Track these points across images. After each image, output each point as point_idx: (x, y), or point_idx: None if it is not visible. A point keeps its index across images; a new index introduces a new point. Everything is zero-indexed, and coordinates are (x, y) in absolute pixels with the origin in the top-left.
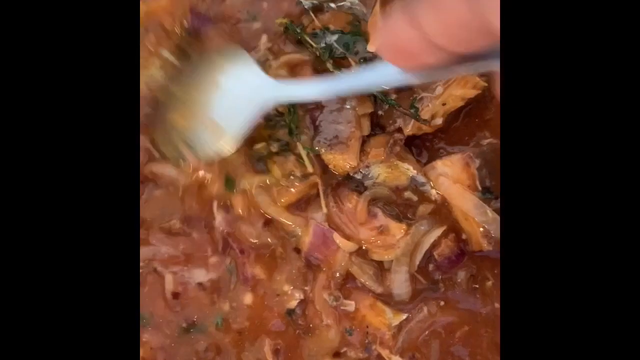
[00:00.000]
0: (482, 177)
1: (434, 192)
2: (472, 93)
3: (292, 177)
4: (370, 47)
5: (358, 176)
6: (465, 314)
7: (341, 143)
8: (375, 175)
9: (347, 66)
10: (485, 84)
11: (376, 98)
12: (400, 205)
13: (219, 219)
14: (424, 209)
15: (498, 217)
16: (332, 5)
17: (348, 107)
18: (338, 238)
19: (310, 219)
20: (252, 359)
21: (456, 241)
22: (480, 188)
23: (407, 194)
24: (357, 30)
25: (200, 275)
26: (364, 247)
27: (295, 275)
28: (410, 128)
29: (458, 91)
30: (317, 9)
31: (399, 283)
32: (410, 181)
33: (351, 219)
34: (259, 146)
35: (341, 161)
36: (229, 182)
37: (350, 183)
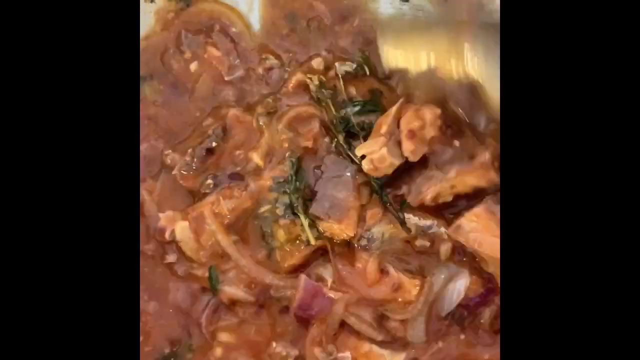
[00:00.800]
0: None
1: (443, 230)
2: (484, 185)
3: (298, 242)
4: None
5: (363, 242)
6: (481, 351)
7: (339, 212)
8: (379, 235)
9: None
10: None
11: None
12: (417, 256)
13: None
14: (445, 249)
15: None
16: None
17: (348, 174)
18: (332, 292)
19: (300, 274)
20: None
21: (480, 282)
22: None
23: (419, 242)
24: (377, 103)
25: (150, 307)
26: (382, 312)
27: (285, 332)
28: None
29: (471, 180)
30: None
31: (416, 331)
32: (416, 229)
33: (363, 278)
34: (265, 209)
35: (338, 230)
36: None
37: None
